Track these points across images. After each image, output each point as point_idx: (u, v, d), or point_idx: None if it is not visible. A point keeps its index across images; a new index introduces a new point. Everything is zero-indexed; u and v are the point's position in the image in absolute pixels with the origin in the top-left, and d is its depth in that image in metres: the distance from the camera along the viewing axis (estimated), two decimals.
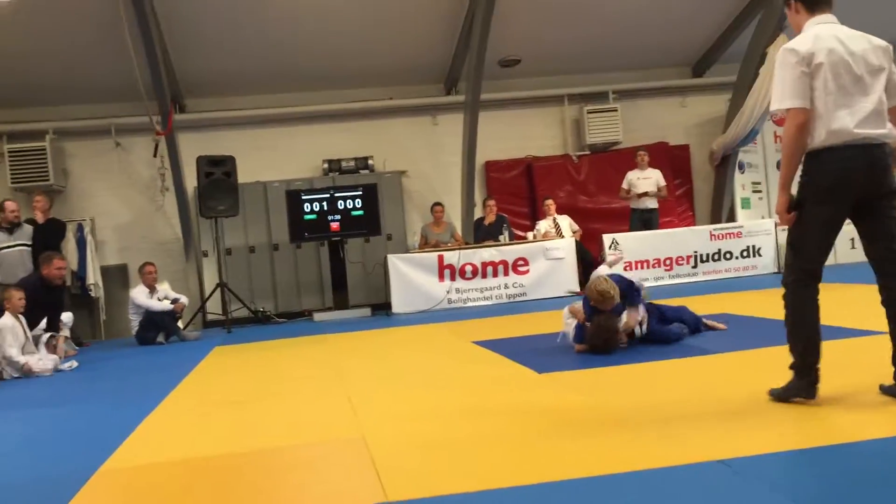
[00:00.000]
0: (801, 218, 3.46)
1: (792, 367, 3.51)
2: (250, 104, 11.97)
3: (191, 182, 11.01)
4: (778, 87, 3.44)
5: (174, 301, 9.54)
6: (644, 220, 11.43)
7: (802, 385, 3.46)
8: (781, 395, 3.50)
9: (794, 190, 3.50)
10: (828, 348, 3.49)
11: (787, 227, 3.56)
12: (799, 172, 3.50)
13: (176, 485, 3.11)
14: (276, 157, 12.05)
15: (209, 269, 11.37)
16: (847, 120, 3.34)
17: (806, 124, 3.37)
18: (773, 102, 3.52)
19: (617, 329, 5.29)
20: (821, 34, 3.43)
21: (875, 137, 3.35)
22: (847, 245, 12.08)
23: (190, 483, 3.11)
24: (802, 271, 3.50)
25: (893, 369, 3.39)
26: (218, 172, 10.30)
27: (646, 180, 11.46)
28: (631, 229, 11.38)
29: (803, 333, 3.47)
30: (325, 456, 3.36)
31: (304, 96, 12.06)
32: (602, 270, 6.08)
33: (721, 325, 5.91)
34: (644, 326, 5.48)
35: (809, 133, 3.39)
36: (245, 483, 3.04)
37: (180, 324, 9.79)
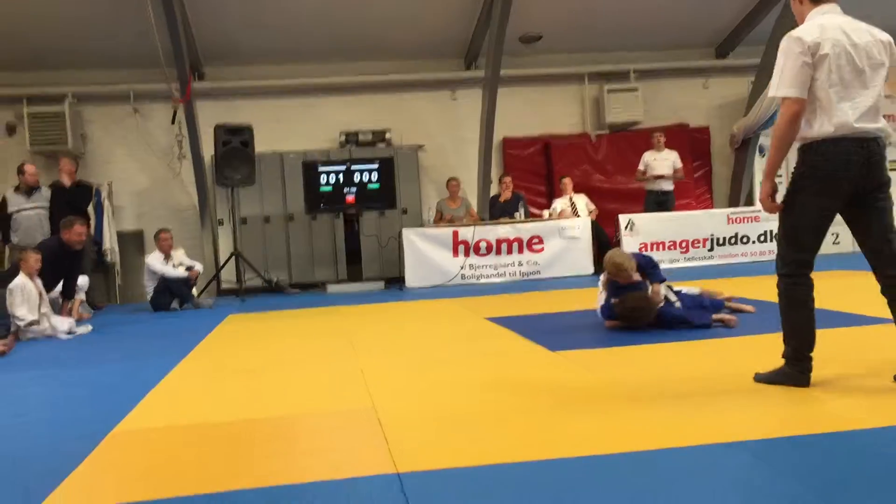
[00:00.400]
0: (796, 208, 3.51)
1: (784, 355, 3.57)
2: (269, 74, 11.94)
3: (208, 150, 11.03)
4: (777, 74, 3.46)
5: (189, 268, 9.59)
6: (659, 203, 11.35)
7: (794, 374, 3.52)
8: (770, 380, 3.55)
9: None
10: (829, 335, 3.47)
11: (770, 214, 3.60)
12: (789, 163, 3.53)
13: (188, 448, 3.13)
14: (294, 127, 12.04)
15: (224, 237, 11.42)
16: (849, 113, 3.38)
17: (800, 114, 3.42)
18: (770, 88, 3.53)
19: (647, 298, 5.24)
20: (826, 24, 3.43)
21: (872, 131, 3.41)
22: (829, 238, 12.02)
23: (202, 447, 3.13)
24: (796, 262, 3.56)
25: None
26: (235, 141, 10.31)
27: (662, 162, 11.37)
28: (645, 211, 11.31)
29: (798, 324, 3.55)
30: (336, 426, 3.38)
31: (323, 68, 12.01)
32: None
33: (749, 308, 5.79)
34: (676, 303, 5.42)
35: (808, 123, 3.44)
36: (256, 449, 3.06)
37: (194, 291, 9.84)
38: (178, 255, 9.74)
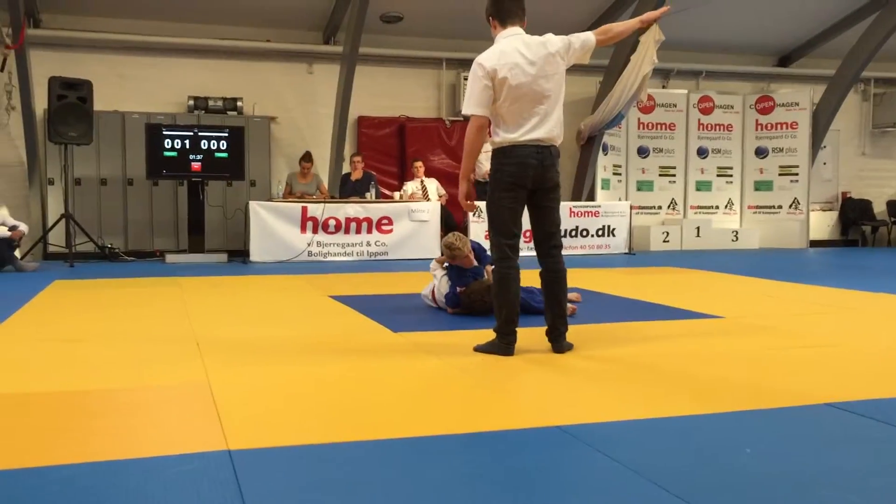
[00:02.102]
0: (494, 203, 4.13)
1: (495, 329, 4.14)
2: (115, 28, 11.27)
3: (41, 104, 10.30)
4: (467, 95, 4.06)
5: (12, 228, 8.95)
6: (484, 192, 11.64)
7: (502, 345, 4.11)
8: (485, 350, 4.14)
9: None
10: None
11: (467, 210, 4.21)
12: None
13: (1, 419, 2.92)
14: (139, 87, 11.45)
15: (54, 198, 10.73)
16: (525, 126, 4.00)
17: (484, 128, 4.07)
18: (463, 107, 4.13)
19: (490, 289, 5.37)
20: (506, 49, 4.03)
21: (545, 140, 4.04)
22: (660, 237, 12.88)
23: (19, 418, 2.92)
24: (504, 248, 4.12)
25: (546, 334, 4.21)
26: (72, 96, 9.69)
27: (486, 154, 11.64)
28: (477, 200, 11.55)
29: (507, 301, 4.11)
30: (166, 400, 3.25)
31: (175, 27, 11.47)
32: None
33: (574, 295, 6.01)
34: None
35: (496, 133, 4.07)
36: (75, 423, 2.89)
37: (17, 253, 9.19)
38: (1, 213, 9.06)
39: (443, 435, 2.73)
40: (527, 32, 4.15)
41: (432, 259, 6.07)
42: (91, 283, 7.73)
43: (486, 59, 4.01)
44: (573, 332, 4.35)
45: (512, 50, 4.01)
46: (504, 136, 4.03)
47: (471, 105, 4.03)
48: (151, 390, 3.39)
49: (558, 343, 4.19)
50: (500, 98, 3.98)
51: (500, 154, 4.08)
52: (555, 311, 4.19)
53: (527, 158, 4.01)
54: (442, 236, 10.64)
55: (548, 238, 4.21)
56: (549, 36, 4.13)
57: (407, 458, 2.49)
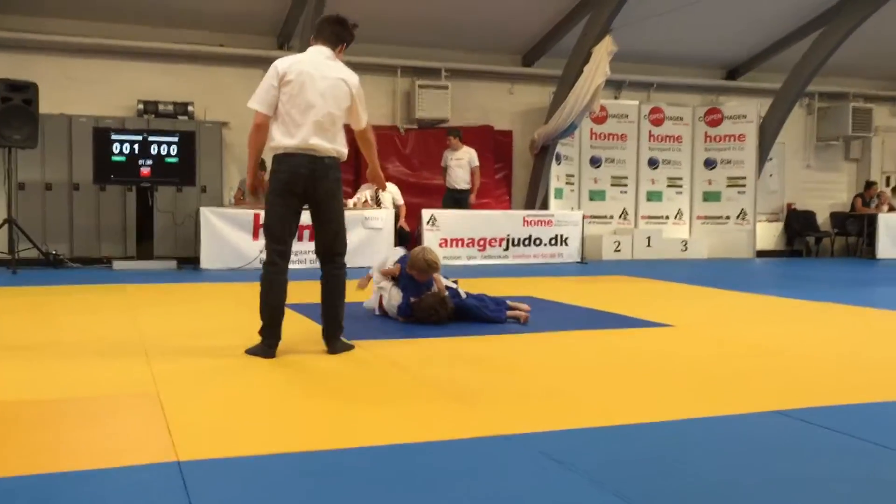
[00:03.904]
0: (269, 206, 4.24)
1: (260, 331, 4.24)
2: (64, 29, 11.03)
3: None
4: (257, 90, 4.21)
5: None
6: (455, 200, 11.73)
7: (264, 347, 4.22)
8: (252, 353, 4.22)
9: None
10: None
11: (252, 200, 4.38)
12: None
13: None
14: (87, 90, 11.20)
15: None
16: (299, 133, 4.12)
17: (264, 125, 4.20)
18: (250, 101, 4.25)
19: (444, 300, 5.39)
20: (302, 59, 4.25)
21: (318, 149, 4.15)
22: (612, 246, 13.05)
23: None
24: (273, 252, 4.25)
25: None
26: (17, 98, 9.45)
27: (457, 161, 11.72)
28: (443, 207, 11.61)
29: (271, 303, 4.24)
30: (113, 410, 3.17)
31: (126, 29, 11.26)
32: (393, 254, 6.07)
33: (524, 306, 6.04)
34: (463, 295, 5.63)
35: (274, 137, 4.18)
36: (18, 436, 2.80)
37: None
38: None
39: (392, 445, 2.71)
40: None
41: (369, 268, 6.05)
42: (35, 290, 7.53)
43: (281, 62, 4.24)
44: (526, 341, 4.36)
45: (307, 60, 4.24)
46: (280, 141, 4.16)
47: (255, 100, 4.21)
48: (98, 400, 3.31)
49: (332, 344, 4.35)
50: (282, 101, 4.14)
51: (275, 160, 4.23)
52: (328, 316, 4.36)
53: (298, 168, 4.13)
54: (395, 244, 10.64)
55: (328, 245, 4.36)
56: (353, 74, 4.33)
57: (357, 469, 2.47)
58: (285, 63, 4.19)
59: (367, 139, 4.50)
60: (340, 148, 4.28)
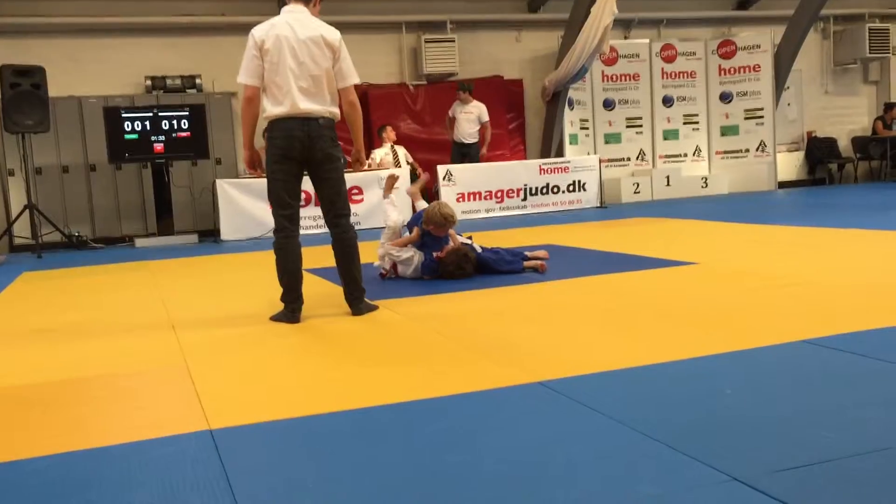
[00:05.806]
0: (270, 175, 4.21)
1: (282, 298, 4.26)
2: (64, 11, 10.98)
3: None
4: (242, 62, 4.17)
5: None
6: (463, 154, 11.62)
7: (287, 312, 4.23)
8: (276, 319, 4.26)
9: None
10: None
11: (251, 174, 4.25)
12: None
13: None
14: (93, 70, 11.18)
15: (16, 189, 10.51)
16: (286, 100, 4.08)
17: (255, 97, 4.18)
18: (238, 76, 4.21)
19: (468, 254, 5.39)
20: (277, 22, 4.16)
21: (311, 112, 4.12)
22: (631, 188, 12.91)
23: None
24: (282, 219, 4.24)
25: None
26: (25, 84, 9.46)
27: (466, 114, 11.57)
28: (451, 162, 11.51)
29: (288, 269, 4.24)
30: (146, 385, 3.21)
31: (126, 5, 11.19)
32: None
33: (542, 253, 6.00)
34: (478, 249, 5.62)
35: (266, 105, 4.15)
36: (61, 412, 2.85)
37: None
38: None
39: (422, 399, 2.73)
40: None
41: (385, 229, 5.98)
42: (61, 273, 7.61)
43: (257, 30, 4.18)
44: (547, 289, 4.35)
45: (282, 23, 4.15)
46: (270, 110, 4.13)
47: (242, 74, 4.17)
48: (129, 377, 3.36)
49: (356, 307, 4.33)
50: (266, 69, 4.10)
51: (268, 127, 4.22)
52: (346, 279, 4.35)
53: (292, 131, 4.10)
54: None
55: (330, 207, 4.32)
56: (332, 29, 4.25)
57: (386, 426, 2.48)
58: (261, 30, 4.14)
59: (353, 103, 4.32)
60: (333, 108, 4.23)
